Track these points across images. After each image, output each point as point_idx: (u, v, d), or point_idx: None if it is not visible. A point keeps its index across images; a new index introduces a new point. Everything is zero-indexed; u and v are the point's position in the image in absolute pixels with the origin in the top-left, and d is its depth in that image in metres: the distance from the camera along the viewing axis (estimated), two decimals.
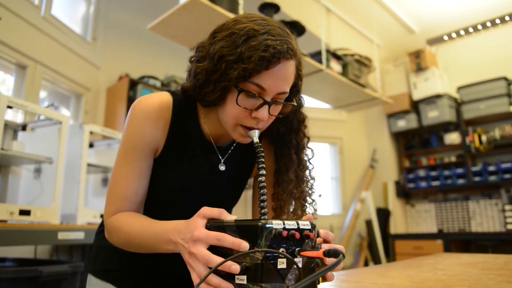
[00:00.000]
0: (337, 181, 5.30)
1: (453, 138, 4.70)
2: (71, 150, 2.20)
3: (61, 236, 1.82)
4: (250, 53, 0.74)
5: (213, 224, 0.68)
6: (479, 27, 4.57)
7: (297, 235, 0.63)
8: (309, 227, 0.67)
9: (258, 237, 0.62)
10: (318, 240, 0.72)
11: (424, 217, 4.97)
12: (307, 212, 0.94)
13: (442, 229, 4.75)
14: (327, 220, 4.93)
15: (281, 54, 0.76)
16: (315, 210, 0.95)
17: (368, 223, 4.87)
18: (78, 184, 2.13)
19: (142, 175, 0.87)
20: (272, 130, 0.96)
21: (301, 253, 0.64)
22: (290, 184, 0.94)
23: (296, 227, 0.65)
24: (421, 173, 4.92)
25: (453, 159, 4.75)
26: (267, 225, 0.62)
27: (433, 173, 4.78)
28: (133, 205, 0.87)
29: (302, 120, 0.96)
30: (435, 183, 4.75)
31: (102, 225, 1.04)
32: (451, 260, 1.46)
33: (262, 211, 0.71)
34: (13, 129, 2.02)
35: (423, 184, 4.85)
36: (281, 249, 0.63)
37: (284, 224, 0.64)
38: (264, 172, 0.73)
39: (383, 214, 4.91)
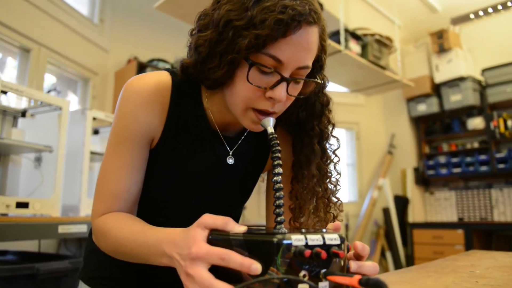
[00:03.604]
0: (354, 168, 5.15)
1: (476, 123, 4.48)
2: (74, 137, 2.09)
3: (62, 229, 1.72)
4: (263, 16, 0.60)
5: (217, 237, 0.54)
6: (510, 3, 4.27)
7: (323, 254, 0.49)
8: (338, 242, 0.53)
9: (273, 256, 0.48)
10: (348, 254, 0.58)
11: (443, 205, 4.79)
12: (331, 214, 0.80)
13: (462, 218, 4.57)
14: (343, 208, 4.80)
15: (302, 16, 0.61)
16: (341, 211, 0.80)
17: (386, 211, 4.72)
18: (80, 174, 2.03)
19: (135, 168, 0.74)
20: (289, 116, 0.80)
21: (329, 278, 0.50)
22: (312, 179, 0.78)
23: (321, 242, 0.51)
24: (442, 159, 4.73)
25: (476, 145, 4.54)
26: (285, 242, 0.48)
27: (454, 160, 4.58)
28: (125, 204, 0.74)
29: (326, 103, 0.81)
30: (456, 170, 4.55)
31: None
32: (487, 262, 1.31)
33: (278, 219, 0.57)
34: (13, 116, 1.91)
35: (443, 171, 4.66)
36: (303, 272, 0.49)
37: (306, 239, 0.50)
38: (280, 170, 0.59)
39: (401, 202, 4.75)
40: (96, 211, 0.74)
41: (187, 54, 0.74)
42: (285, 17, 0.60)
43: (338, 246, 0.52)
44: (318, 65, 0.72)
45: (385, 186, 4.79)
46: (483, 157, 4.37)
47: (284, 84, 0.65)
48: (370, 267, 0.56)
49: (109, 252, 0.72)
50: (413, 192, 4.80)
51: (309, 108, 0.80)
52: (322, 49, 0.70)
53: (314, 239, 0.51)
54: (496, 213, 4.36)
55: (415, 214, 4.73)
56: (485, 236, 4.28)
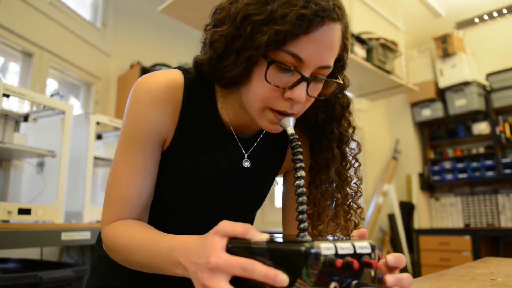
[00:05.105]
0: None
1: (481, 128, 4.44)
2: (77, 142, 2.05)
3: (65, 236, 1.67)
4: (284, 11, 0.56)
5: (237, 245, 0.50)
6: None
7: (356, 264, 0.45)
8: (369, 250, 0.49)
9: (301, 266, 0.44)
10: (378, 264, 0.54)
11: (449, 211, 4.73)
12: (352, 221, 0.75)
13: (469, 224, 4.51)
14: None
15: (325, 12, 0.57)
16: (362, 219, 0.76)
17: (391, 217, 4.67)
18: (84, 179, 1.98)
19: (146, 172, 0.70)
20: (308, 118, 0.76)
21: None
22: (331, 185, 0.74)
23: (352, 251, 0.47)
24: (447, 165, 4.67)
25: (481, 150, 4.49)
26: (313, 250, 0.44)
27: (460, 165, 4.53)
28: (135, 210, 0.70)
29: (346, 105, 0.77)
30: (462, 176, 4.50)
31: None
32: (506, 269, 1.26)
33: (301, 225, 0.53)
34: (15, 120, 1.88)
35: (449, 176, 4.61)
36: (333, 284, 0.45)
37: (336, 247, 0.46)
38: (302, 173, 0.54)
39: (407, 208, 4.69)
40: (106, 218, 0.70)
41: (200, 50, 0.70)
42: (308, 12, 0.56)
43: (369, 255, 0.49)
44: (340, 64, 0.69)
45: (390, 192, 4.73)
46: (489, 162, 4.32)
47: (304, 84, 0.61)
48: (408, 279, 0.51)
49: (120, 261, 0.68)
50: (418, 198, 4.74)
51: (328, 110, 0.76)
52: (344, 47, 0.67)
53: (344, 247, 0.47)
54: (503, 219, 4.30)
55: (420, 220, 4.67)
56: (493, 242, 4.22)
